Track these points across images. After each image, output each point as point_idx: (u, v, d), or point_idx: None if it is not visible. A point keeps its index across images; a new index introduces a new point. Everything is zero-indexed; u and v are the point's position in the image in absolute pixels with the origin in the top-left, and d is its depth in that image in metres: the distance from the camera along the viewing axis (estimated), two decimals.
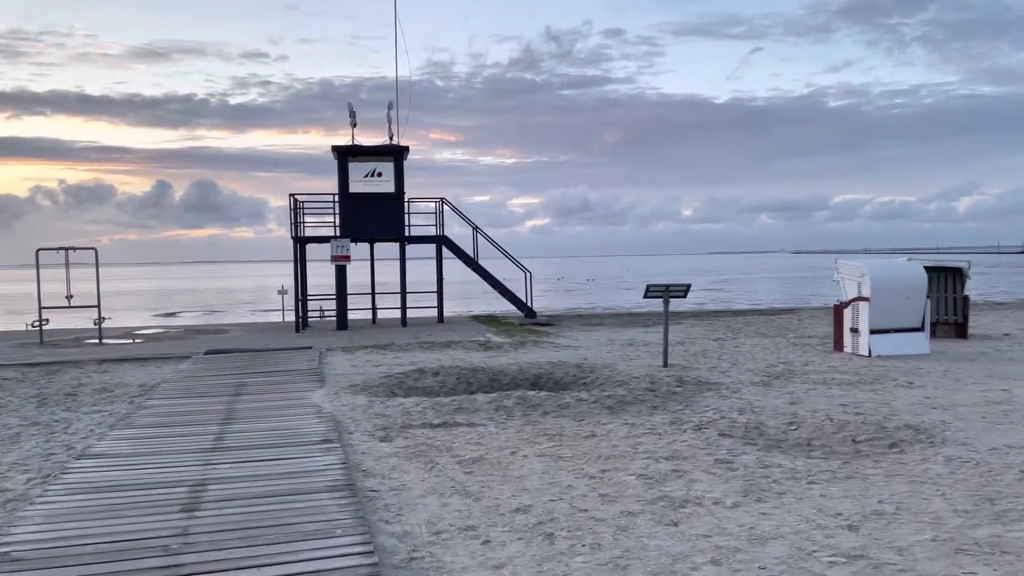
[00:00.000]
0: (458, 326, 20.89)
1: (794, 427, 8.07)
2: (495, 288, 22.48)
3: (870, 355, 13.41)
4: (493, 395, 9.77)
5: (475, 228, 22.23)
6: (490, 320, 22.90)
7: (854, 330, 13.94)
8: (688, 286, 12.89)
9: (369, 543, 4.81)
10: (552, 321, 22.30)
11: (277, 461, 6.88)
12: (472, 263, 22.03)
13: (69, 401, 10.62)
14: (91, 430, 8.69)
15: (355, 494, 5.83)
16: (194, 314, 45.65)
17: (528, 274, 22.75)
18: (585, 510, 5.54)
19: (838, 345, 14.41)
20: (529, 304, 22.93)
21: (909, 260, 15.35)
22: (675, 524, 5.22)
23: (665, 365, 12.57)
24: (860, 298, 13.87)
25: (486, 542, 5.00)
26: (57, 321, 30.63)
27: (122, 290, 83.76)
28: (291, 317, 26.39)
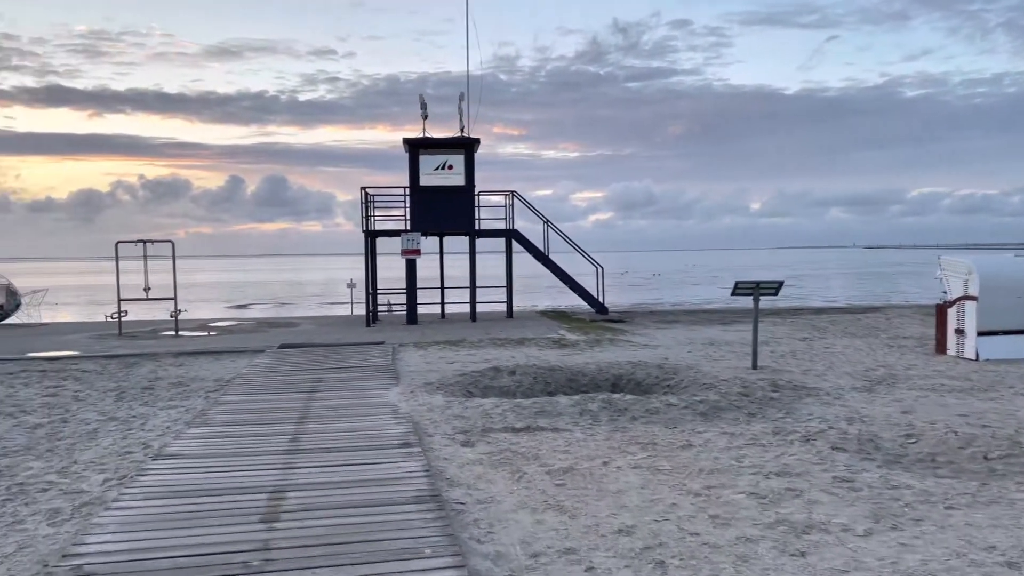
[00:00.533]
0: (528, 322, 20.44)
1: (913, 440, 7.33)
2: (566, 283, 21.94)
3: (977, 359, 12.41)
4: (575, 397, 9.27)
5: (546, 222, 21.74)
6: (560, 316, 22.38)
7: (959, 331, 12.93)
8: (780, 283, 12.13)
9: (462, 566, 4.38)
10: (624, 318, 21.64)
11: (357, 466, 6.52)
12: (543, 257, 21.54)
13: (146, 395, 10.56)
14: (167, 427, 8.53)
15: (442, 507, 5.41)
16: (265, 307, 46.45)
17: (600, 269, 22.14)
18: (696, 534, 5.00)
19: (941, 347, 13.40)
20: (601, 300, 22.32)
21: (1016, 256, 14.22)
22: (802, 554, 4.64)
23: (754, 367, 11.85)
24: (966, 297, 12.85)
25: (590, 569, 4.51)
26: (135, 312, 31.46)
27: (197, 282, 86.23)
28: (360, 311, 26.36)
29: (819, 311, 24.83)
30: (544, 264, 21.78)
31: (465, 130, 20.95)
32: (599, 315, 21.79)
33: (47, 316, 26.29)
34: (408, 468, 6.44)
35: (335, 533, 4.94)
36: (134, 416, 9.17)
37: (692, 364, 12.27)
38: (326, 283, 76.57)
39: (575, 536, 5.02)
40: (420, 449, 7.08)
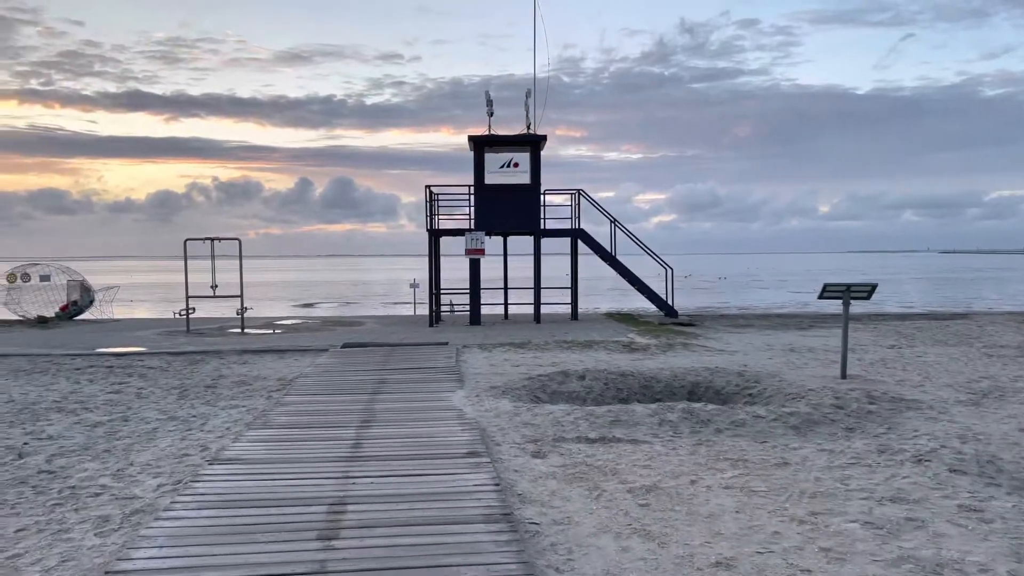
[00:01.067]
0: (595, 324, 19.81)
1: None
2: (634, 285, 21.23)
3: None
4: (652, 406, 8.64)
5: (613, 221, 21.06)
6: (627, 319, 21.67)
7: None
8: (874, 286, 11.24)
9: None
10: (694, 321, 20.80)
11: (421, 477, 6.06)
12: (610, 259, 20.87)
13: (208, 394, 10.36)
14: (227, 428, 8.25)
15: (515, 528, 4.89)
16: (330, 305, 46.98)
17: (669, 271, 21.34)
18: (808, 572, 4.35)
19: None
20: (670, 302, 21.53)
21: None
22: None
23: (844, 376, 11.00)
24: None
25: None
26: (204, 309, 31.98)
27: (265, 281, 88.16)
28: (423, 311, 26.15)
29: (903, 317, 23.47)
30: (611, 265, 21.11)
31: (531, 127, 20.46)
32: (668, 318, 21.00)
33: (119, 312, 26.86)
34: (476, 480, 5.94)
35: (398, 556, 4.47)
36: (195, 416, 8.94)
37: (774, 372, 11.47)
38: (390, 283, 77.30)
39: (667, 568, 4.43)
40: (488, 459, 6.58)
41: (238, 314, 19.52)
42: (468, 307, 20.66)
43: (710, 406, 8.66)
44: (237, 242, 19.46)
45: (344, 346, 14.83)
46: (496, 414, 8.58)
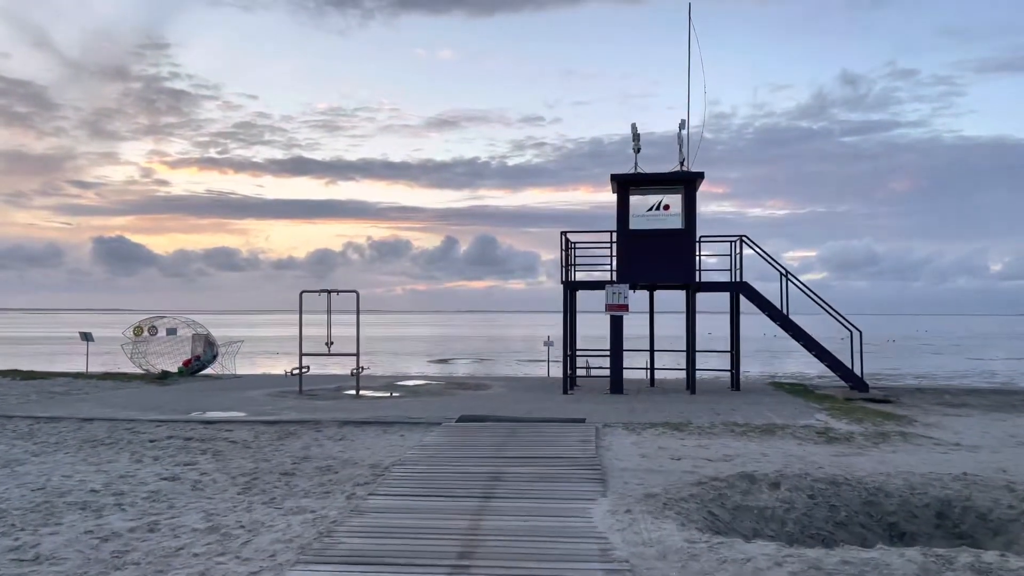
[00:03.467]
0: (762, 397, 16.37)
1: None
2: (811, 351, 17.64)
3: None
4: (910, 552, 5.46)
5: (785, 273, 17.67)
6: (801, 391, 18.01)
7: None
8: None
9: None
10: (889, 396, 16.86)
11: None
12: (782, 318, 17.44)
13: (279, 486, 8.10)
14: (274, 552, 5.85)
15: None
16: (464, 361, 45.38)
17: (856, 334, 17.57)
18: None
19: None
20: (858, 373, 17.69)
21: None
22: None
23: None
24: None
25: None
26: (327, 366, 30.78)
27: (408, 335, 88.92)
28: (557, 371, 23.55)
29: None
30: (783, 326, 17.65)
31: (685, 164, 17.63)
32: (855, 392, 17.19)
33: (243, 368, 25.98)
34: None
35: None
36: (243, 526, 6.63)
37: None
38: (526, 339, 75.48)
39: None
40: None
41: (352, 375, 17.64)
42: (607, 371, 17.84)
43: (1011, 557, 5.36)
44: (355, 295, 17.70)
45: (460, 419, 12.36)
46: (660, 553, 5.68)
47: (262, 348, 52.04)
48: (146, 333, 22.69)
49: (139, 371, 22.14)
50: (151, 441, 10.67)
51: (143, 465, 9.15)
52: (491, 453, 9.50)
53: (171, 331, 22.94)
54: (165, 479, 8.41)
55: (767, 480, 7.93)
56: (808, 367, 39.41)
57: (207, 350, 22.43)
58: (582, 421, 12.10)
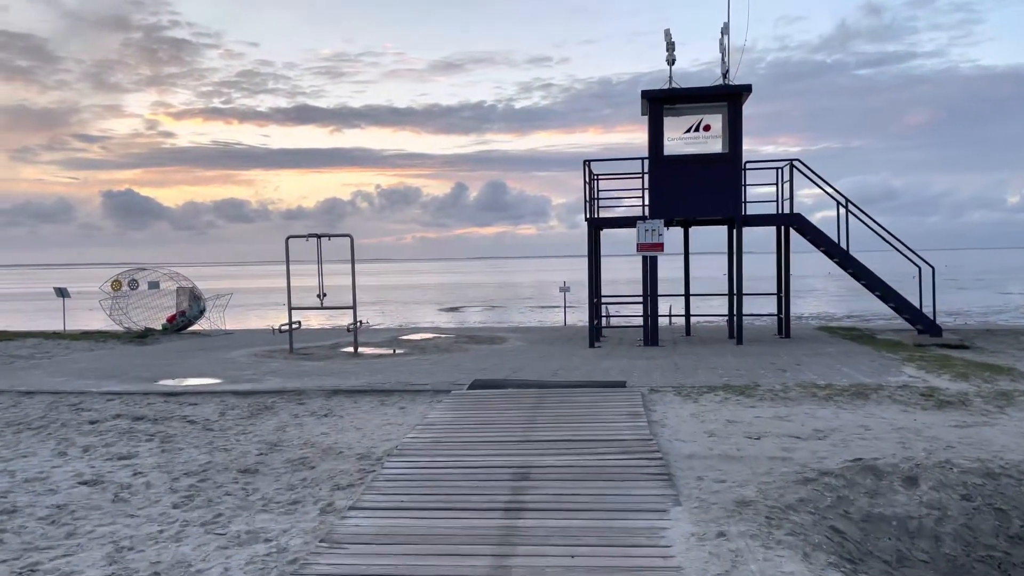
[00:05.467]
0: (822, 347, 14.17)
1: None
2: (873, 291, 15.37)
3: None
4: None
5: (846, 203, 15.23)
6: (865, 337, 15.79)
7: None
8: None
9: None
10: (964, 341, 14.60)
11: None
12: (841, 254, 15.10)
13: (231, 495, 6.01)
14: None
15: None
16: (475, 309, 43.41)
17: (929, 270, 15.23)
18: None
19: None
20: (930, 315, 15.41)
21: None
22: None
23: None
24: None
25: None
26: (331, 317, 28.76)
27: (416, 283, 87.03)
28: (573, 317, 21.54)
29: None
30: (842, 264, 15.33)
31: (727, 76, 15.08)
32: (924, 336, 14.94)
33: (239, 322, 23.99)
34: None
35: None
36: (163, 569, 4.53)
37: None
38: (538, 285, 73.49)
39: None
40: None
41: (349, 331, 15.53)
42: (636, 319, 15.66)
43: None
44: (348, 239, 15.45)
45: (473, 385, 10.21)
46: None
47: (268, 299, 50.13)
48: (126, 287, 20.60)
49: (121, 329, 20.14)
50: (91, 423, 8.60)
51: (66, 460, 7.09)
52: (514, 435, 7.36)
53: (153, 284, 20.84)
54: (84, 482, 6.34)
55: (898, 472, 5.77)
56: (831, 306, 37.25)
57: (193, 305, 20.36)
58: (622, 385, 9.92)
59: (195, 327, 20.52)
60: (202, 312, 20.64)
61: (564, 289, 23.32)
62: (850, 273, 15.48)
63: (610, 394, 9.25)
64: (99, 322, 24.31)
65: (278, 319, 17.00)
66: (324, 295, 15.43)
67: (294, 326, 15.53)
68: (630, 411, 8.21)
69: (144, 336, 18.50)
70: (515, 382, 10.30)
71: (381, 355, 14.67)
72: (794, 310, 21.43)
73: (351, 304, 15.28)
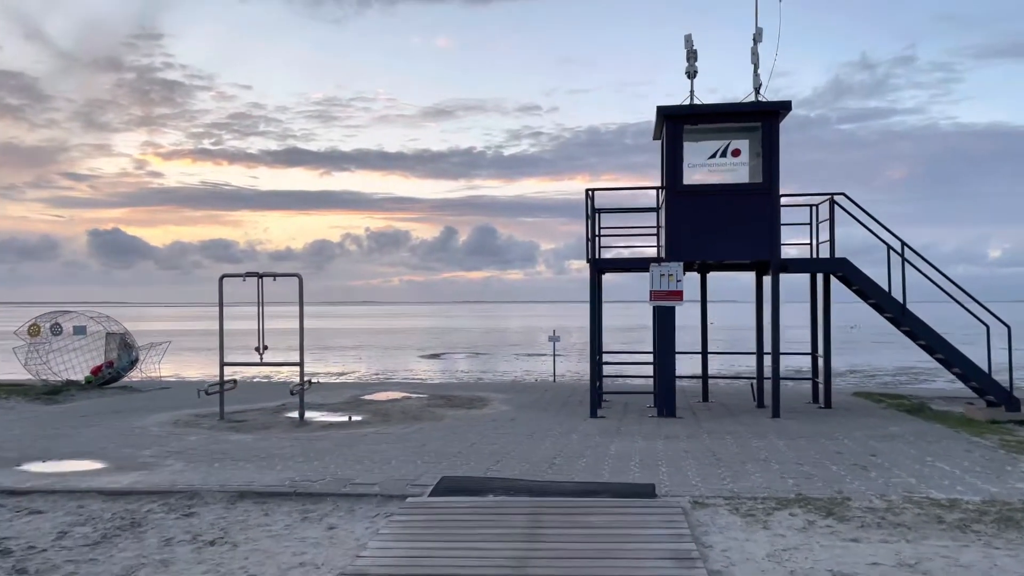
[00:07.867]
0: (886, 424, 11.41)
1: None
2: (941, 357, 12.64)
3: None
4: None
5: (901, 248, 12.57)
6: (930, 412, 13.03)
7: None
8: None
9: None
10: None
11: None
12: (897, 308, 12.41)
13: None
14: None
15: None
16: (459, 356, 40.46)
17: (1001, 329, 12.52)
18: None
19: None
20: (1007, 386, 12.66)
21: None
22: None
23: None
24: None
25: None
26: (286, 369, 25.28)
27: (400, 327, 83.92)
28: (563, 367, 18.90)
29: None
30: (894, 321, 12.62)
31: (762, 90, 12.57)
32: (996, 410, 12.19)
33: (190, 369, 20.95)
34: None
35: None
36: None
37: None
38: (525, 331, 70.75)
39: None
40: None
41: (292, 393, 12.60)
42: (642, 380, 12.88)
43: None
44: (296, 279, 12.61)
45: (439, 488, 7.28)
46: None
47: (233, 343, 46.95)
48: (46, 332, 17.61)
49: (38, 380, 17.09)
50: None
51: None
52: None
53: (79, 329, 17.86)
54: None
55: None
56: (843, 361, 34.18)
57: (123, 354, 17.39)
58: (651, 493, 7.03)
59: (125, 379, 17.52)
60: (133, 363, 17.65)
61: (554, 339, 20.91)
62: (904, 331, 12.80)
63: (637, 511, 6.38)
64: (12, 372, 21.10)
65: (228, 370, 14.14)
66: (265, 348, 12.54)
67: (227, 387, 12.56)
68: (673, 548, 5.35)
69: (57, 392, 15.48)
70: (499, 483, 7.38)
71: (332, 423, 11.76)
72: (791, 364, 18.65)
73: (298, 360, 12.38)
